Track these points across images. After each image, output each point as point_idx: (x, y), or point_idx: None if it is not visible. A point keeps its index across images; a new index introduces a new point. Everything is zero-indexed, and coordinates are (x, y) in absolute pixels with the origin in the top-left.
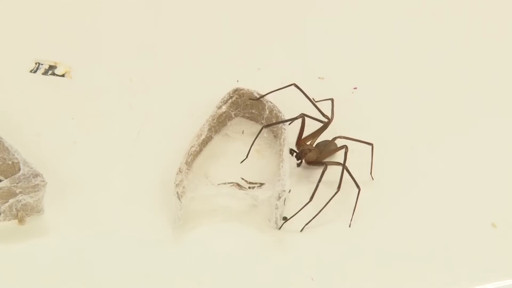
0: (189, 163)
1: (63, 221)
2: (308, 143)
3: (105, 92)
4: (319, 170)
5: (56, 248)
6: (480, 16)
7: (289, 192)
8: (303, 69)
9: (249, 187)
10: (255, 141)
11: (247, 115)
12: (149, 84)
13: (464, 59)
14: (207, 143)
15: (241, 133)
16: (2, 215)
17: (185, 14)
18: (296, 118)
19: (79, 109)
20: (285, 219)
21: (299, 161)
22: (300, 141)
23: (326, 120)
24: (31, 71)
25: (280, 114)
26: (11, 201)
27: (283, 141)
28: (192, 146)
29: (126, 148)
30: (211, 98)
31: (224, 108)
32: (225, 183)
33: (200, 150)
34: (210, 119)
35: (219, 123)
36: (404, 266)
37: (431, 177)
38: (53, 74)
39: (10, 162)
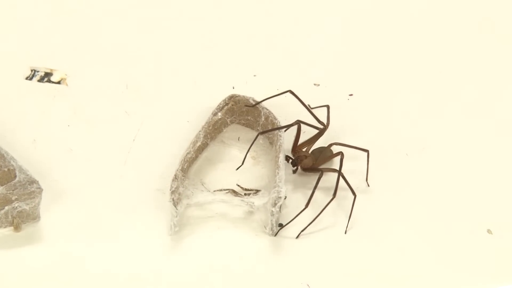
0: (184, 170)
1: (59, 228)
2: (304, 149)
3: (101, 99)
4: (315, 176)
5: (52, 255)
6: (477, 21)
7: (285, 198)
8: (298, 75)
9: (245, 194)
10: (251, 148)
11: (243, 121)
12: (144, 91)
13: (460, 66)
14: (202, 150)
15: (236, 139)
16: None
17: (181, 21)
18: (291, 125)
19: (75, 116)
20: (281, 225)
21: (295, 167)
22: (295, 147)
23: (321, 126)
24: (26, 78)
25: (276, 121)
26: (6, 208)
27: (279, 147)
28: (187, 153)
29: (121, 155)
30: (207, 104)
31: (219, 114)
32: (221, 190)
33: (196, 156)
34: (205, 126)
35: (214, 130)
36: (400, 273)
37: (427, 183)
38: (49, 81)
39: (5, 169)
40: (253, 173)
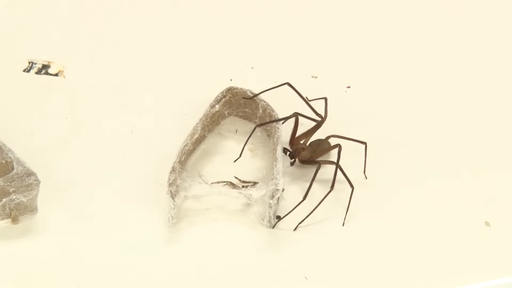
0: (182, 162)
1: (56, 220)
2: (302, 142)
3: (99, 91)
4: (313, 169)
5: (50, 247)
6: (475, 16)
7: (283, 191)
8: (296, 68)
9: (243, 186)
10: (249, 140)
11: (241, 114)
12: (142, 83)
13: (457, 57)
14: (200, 142)
15: (234, 132)
16: None
17: (178, 14)
18: (289, 117)
19: (73, 108)
20: (279, 218)
21: (293, 160)
22: (293, 140)
23: (319, 119)
24: (24, 71)
25: (274, 113)
26: (4, 200)
27: (277, 140)
28: (185, 145)
29: (119, 147)
30: (205, 97)
31: (217, 107)
32: (218, 182)
33: (194, 149)
34: (203, 118)
35: (212, 122)
36: (398, 265)
37: (424, 175)
38: (47, 73)
39: (3, 161)
40: (250, 165)
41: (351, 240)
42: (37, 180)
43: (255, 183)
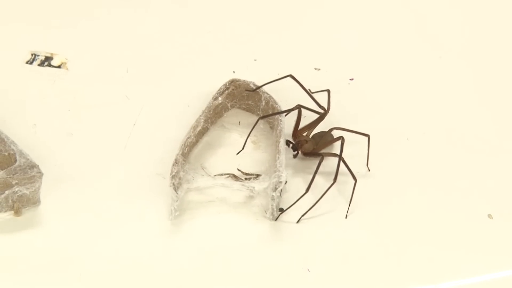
0: (185, 154)
1: (59, 213)
2: (305, 134)
3: (101, 83)
4: (316, 161)
5: (52, 240)
6: (476, 11)
7: (286, 183)
8: (299, 60)
9: (246, 178)
10: (252, 132)
11: (243, 106)
12: (145, 75)
13: (460, 49)
14: (203, 134)
15: (237, 124)
16: None
17: (181, 5)
18: (292, 109)
19: (75, 100)
20: (282, 210)
21: (296, 152)
22: (296, 132)
23: (322, 111)
24: (27, 63)
25: (277, 105)
26: (7, 192)
27: (280, 132)
28: (188, 137)
29: (122, 139)
30: (207, 89)
31: (220, 99)
32: (221, 174)
33: (197, 141)
34: (206, 110)
35: (215, 114)
36: (400, 257)
37: (427, 168)
38: (49, 65)
39: (6, 154)
40: (253, 157)
41: (354, 233)
42: (39, 172)
43: (258, 175)
